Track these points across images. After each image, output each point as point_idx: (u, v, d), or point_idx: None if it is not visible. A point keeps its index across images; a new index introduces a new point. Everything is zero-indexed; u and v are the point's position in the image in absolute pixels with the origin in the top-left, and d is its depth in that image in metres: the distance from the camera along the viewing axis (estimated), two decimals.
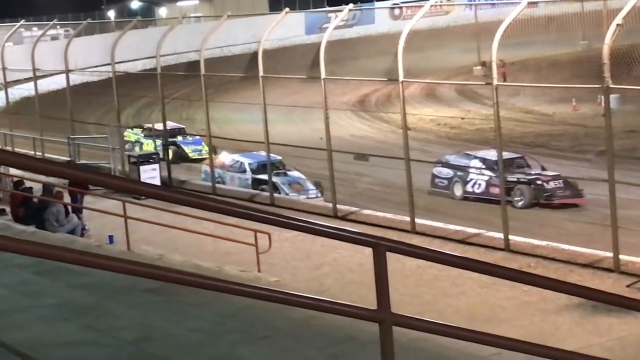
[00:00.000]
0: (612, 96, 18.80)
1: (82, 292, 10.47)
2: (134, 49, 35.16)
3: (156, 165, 27.10)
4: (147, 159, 27.23)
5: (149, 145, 33.98)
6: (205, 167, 29.55)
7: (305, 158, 27.24)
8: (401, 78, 21.50)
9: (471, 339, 5.73)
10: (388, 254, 5.10)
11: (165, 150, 29.59)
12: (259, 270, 17.69)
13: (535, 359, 7.82)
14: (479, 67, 44.50)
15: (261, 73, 25.15)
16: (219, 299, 9.63)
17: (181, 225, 19.57)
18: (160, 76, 28.71)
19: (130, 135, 35.85)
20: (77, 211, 21.98)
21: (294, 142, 27.63)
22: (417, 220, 21.63)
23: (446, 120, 38.39)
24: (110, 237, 20.35)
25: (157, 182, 25.76)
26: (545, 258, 18.73)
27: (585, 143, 31.23)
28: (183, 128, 36.53)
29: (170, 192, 4.95)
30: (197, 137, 34.93)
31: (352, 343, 8.62)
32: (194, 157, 34.82)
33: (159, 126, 31.19)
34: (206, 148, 30.83)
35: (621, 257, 17.77)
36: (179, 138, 36.09)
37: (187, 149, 35.91)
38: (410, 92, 32.26)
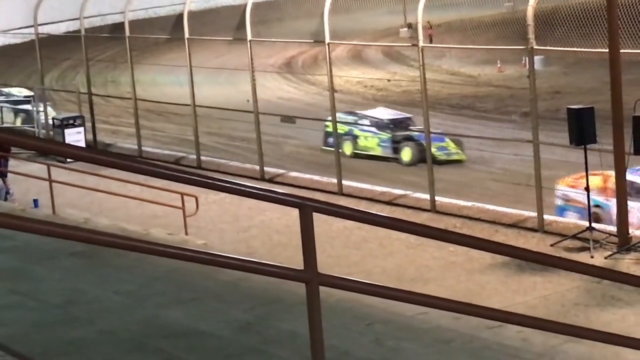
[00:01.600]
0: (536, 57, 18.99)
1: (6, 256, 10.35)
2: (57, 11, 34.59)
3: (81, 129, 26.83)
4: (72, 121, 26.94)
5: (368, 141, 27.28)
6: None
7: (232, 120, 27.13)
8: (327, 40, 21.48)
9: (397, 297, 5.77)
10: (316, 215, 5.10)
11: (398, 149, 26.25)
12: (186, 233, 17.64)
13: (461, 317, 7.92)
14: (405, 29, 44.55)
15: (187, 35, 24.95)
16: (145, 262, 9.59)
17: (106, 188, 19.42)
18: (85, 38, 28.35)
19: (340, 125, 24.90)
20: (1, 175, 21.68)
21: (220, 104, 27.47)
22: (344, 182, 21.69)
23: (373, 82, 38.45)
24: (35, 201, 20.10)
25: (82, 145, 25.50)
26: (470, 219, 18.91)
27: (510, 104, 31.49)
28: (409, 117, 28.09)
29: (95, 154, 4.90)
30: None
31: (280, 304, 8.64)
32: (441, 159, 24.76)
33: (379, 113, 28.13)
34: (452, 144, 25.81)
35: (545, 217, 18.01)
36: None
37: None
38: (336, 54, 32.30)
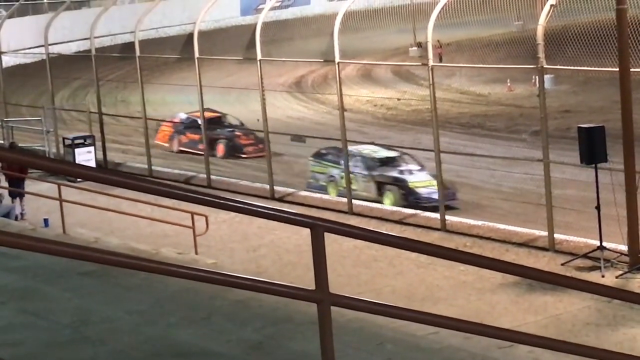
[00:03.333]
0: (546, 76, 18.97)
1: (16, 276, 10.35)
2: (68, 31, 34.72)
3: (91, 148, 26.89)
4: (82, 141, 27.02)
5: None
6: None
7: None
8: (337, 59, 21.52)
9: (408, 318, 5.75)
10: (326, 235, 5.09)
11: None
12: (196, 253, 17.64)
13: (472, 337, 7.89)
14: (415, 48, 44.58)
15: (197, 54, 25.02)
16: (155, 281, 9.58)
17: (117, 208, 19.43)
18: (95, 58, 28.44)
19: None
20: (18, 196, 21.77)
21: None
22: (354, 202, 21.69)
23: (382, 101, 38.46)
24: (46, 220, 20.14)
25: (92, 164, 25.55)
26: (481, 238, 18.88)
27: (520, 123, 31.45)
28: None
29: (106, 174, 4.90)
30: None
31: (290, 324, 8.62)
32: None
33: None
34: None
35: (556, 236, 17.97)
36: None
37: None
38: (346, 73, 32.33)
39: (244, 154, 29.69)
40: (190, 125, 30.22)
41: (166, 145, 31.15)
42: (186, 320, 8.87)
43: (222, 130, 30.19)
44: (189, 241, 18.00)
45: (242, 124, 30.48)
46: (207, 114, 27.33)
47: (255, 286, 5.14)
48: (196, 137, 29.23)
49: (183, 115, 31.19)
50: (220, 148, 29.79)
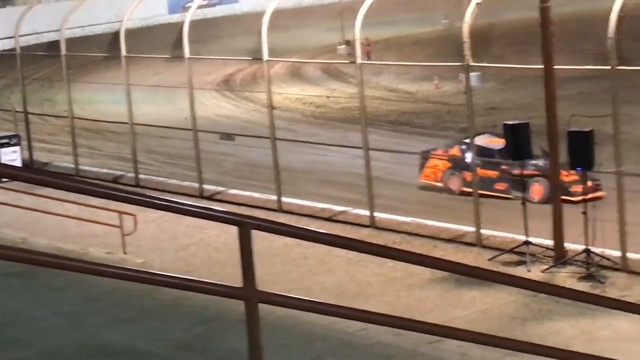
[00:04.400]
0: (472, 74, 19.15)
1: None
2: None
3: (17, 147, 26.57)
4: (7, 140, 26.69)
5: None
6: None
7: (171, 138, 27.02)
8: (266, 57, 21.51)
9: (338, 314, 5.78)
10: (256, 233, 5.11)
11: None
12: (124, 252, 17.53)
13: (402, 333, 7.96)
14: (344, 46, 44.70)
15: (124, 53, 24.83)
16: (83, 281, 9.51)
17: (44, 208, 19.23)
18: (20, 56, 28.10)
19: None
20: None
21: (158, 122, 27.37)
22: (284, 199, 21.70)
23: (311, 99, 38.49)
24: None
25: (18, 164, 25.25)
26: (410, 234, 19.01)
27: (448, 120, 31.69)
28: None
29: (32, 173, 4.86)
30: None
31: (219, 322, 8.62)
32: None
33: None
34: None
35: (483, 231, 18.16)
36: None
37: None
38: (275, 71, 32.33)
39: (571, 196, 19.39)
40: (479, 155, 21.19)
41: (439, 185, 23.50)
42: (115, 320, 8.82)
43: (532, 163, 20.72)
44: (117, 241, 17.88)
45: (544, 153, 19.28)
46: (489, 140, 22.46)
47: (183, 284, 5.13)
48: (491, 173, 22.17)
49: (465, 145, 22.44)
50: (537, 190, 21.26)
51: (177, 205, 5.05)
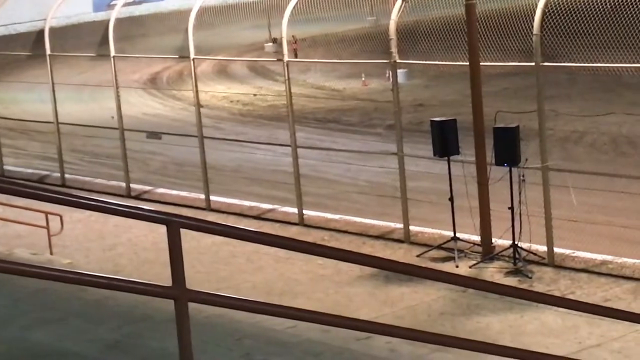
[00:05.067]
0: (399, 71, 19.23)
1: None
2: None
3: None
4: None
5: None
6: None
7: (97, 137, 26.80)
8: (192, 55, 21.43)
9: (266, 312, 5.79)
10: (184, 232, 5.09)
11: None
12: (51, 253, 17.35)
13: (330, 330, 7.98)
14: (270, 44, 44.68)
15: (48, 51, 24.58)
16: (8, 282, 9.39)
17: None
18: None
19: None
20: None
21: (84, 121, 27.14)
22: (212, 198, 21.63)
23: (239, 97, 38.44)
24: None
25: None
26: (338, 231, 19.05)
27: (375, 117, 31.83)
28: None
29: None
30: None
31: (148, 322, 8.56)
32: None
33: None
34: None
35: (411, 228, 18.26)
36: None
37: None
38: (202, 69, 32.16)
39: None
40: None
41: None
42: (41, 321, 8.73)
43: None
44: (43, 241, 17.69)
45: None
46: None
47: (110, 284, 5.09)
48: None
49: None
50: None
51: (105, 205, 5.02)
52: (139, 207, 5.22)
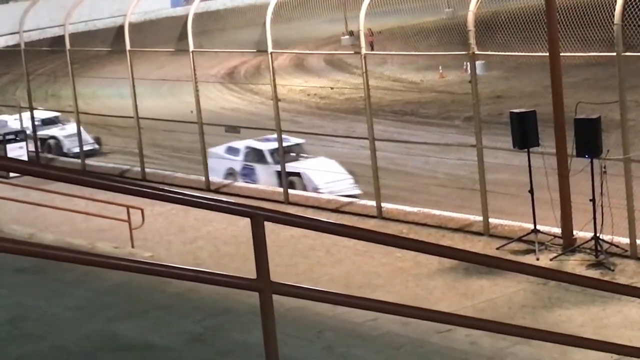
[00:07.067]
0: (477, 62, 19.11)
1: None
2: None
3: (23, 143, 26.61)
4: (14, 136, 26.75)
5: None
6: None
7: (176, 132, 27.03)
8: (270, 49, 21.49)
9: (349, 304, 5.79)
10: (264, 225, 5.10)
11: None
12: (132, 246, 17.53)
13: (410, 323, 7.96)
14: (347, 37, 44.70)
15: (128, 47, 24.83)
16: (92, 276, 9.53)
17: (51, 203, 19.24)
18: (24, 52, 28.11)
19: None
20: None
21: (163, 116, 27.39)
22: (291, 191, 21.70)
23: (316, 90, 38.50)
24: None
25: (25, 160, 25.29)
26: (417, 224, 18.98)
27: (453, 109, 31.69)
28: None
29: (40, 167, 4.86)
30: None
31: (230, 315, 8.62)
32: None
33: None
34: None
35: (491, 220, 18.13)
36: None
37: None
38: (279, 63, 32.24)
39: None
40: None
41: None
42: (125, 313, 8.83)
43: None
44: (125, 235, 17.89)
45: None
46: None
47: (196, 277, 5.14)
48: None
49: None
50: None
51: (188, 198, 5.05)
52: (223, 200, 5.25)
